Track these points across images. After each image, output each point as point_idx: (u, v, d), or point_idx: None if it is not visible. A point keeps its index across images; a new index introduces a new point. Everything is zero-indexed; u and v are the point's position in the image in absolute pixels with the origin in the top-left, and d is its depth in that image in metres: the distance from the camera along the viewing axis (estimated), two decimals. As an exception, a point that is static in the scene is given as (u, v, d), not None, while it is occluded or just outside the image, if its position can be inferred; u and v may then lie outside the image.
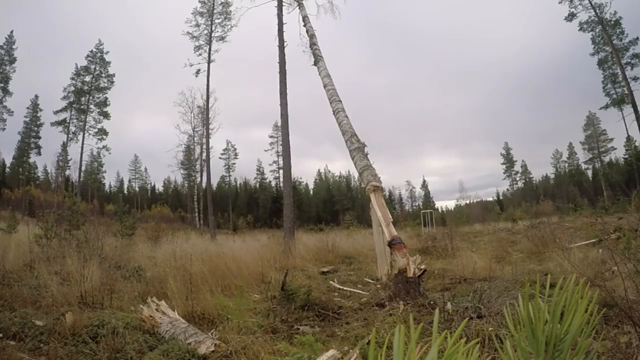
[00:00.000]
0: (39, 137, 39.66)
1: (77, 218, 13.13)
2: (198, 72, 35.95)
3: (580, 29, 42.59)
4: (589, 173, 52.91)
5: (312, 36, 15.83)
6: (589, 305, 0.98)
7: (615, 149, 54.80)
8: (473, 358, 0.68)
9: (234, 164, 53.18)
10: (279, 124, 22.68)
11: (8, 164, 38.85)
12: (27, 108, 39.78)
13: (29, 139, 39.51)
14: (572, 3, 41.37)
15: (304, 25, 16.89)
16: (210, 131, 36.79)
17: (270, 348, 4.60)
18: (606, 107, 43.96)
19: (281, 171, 28.85)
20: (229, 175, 53.04)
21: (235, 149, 53.67)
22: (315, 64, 14.73)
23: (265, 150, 45.43)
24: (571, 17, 41.77)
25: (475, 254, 11.65)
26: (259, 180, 57.55)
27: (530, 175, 56.70)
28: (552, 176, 56.14)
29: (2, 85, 37.10)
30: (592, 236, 12.99)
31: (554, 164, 56.75)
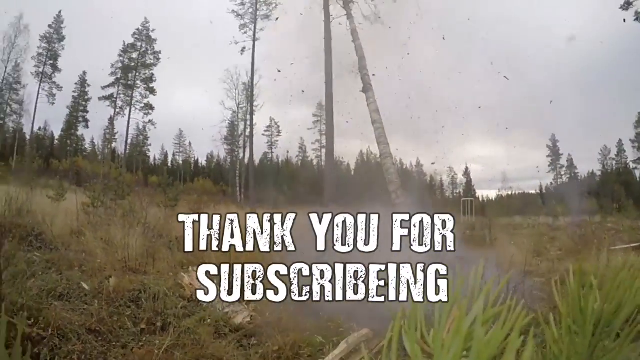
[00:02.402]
0: (87, 111, 40.64)
1: (122, 188, 13.44)
2: (243, 50, 35.94)
3: (637, 19, 39.77)
4: (637, 173, 50.06)
5: (361, 58, 14.13)
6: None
7: (669, 150, 51.45)
8: (519, 321, 0.62)
9: (277, 141, 52.83)
10: (324, 103, 21.97)
11: (57, 136, 40.23)
12: (76, 84, 40.70)
13: (77, 113, 40.57)
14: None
15: (353, 42, 14.88)
16: (254, 108, 37.04)
17: (300, 324, 4.64)
18: (661, 104, 41.24)
19: (323, 150, 28.55)
20: (272, 152, 52.97)
21: (279, 126, 53.43)
22: (364, 92, 13.39)
23: (309, 129, 44.59)
24: (627, 5, 39.02)
25: (514, 247, 11.37)
26: (300, 158, 57.12)
27: (576, 171, 53.71)
28: (599, 173, 53.04)
29: (51, 62, 38.26)
30: (635, 240, 12.48)
31: (601, 161, 53.59)
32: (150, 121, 42.40)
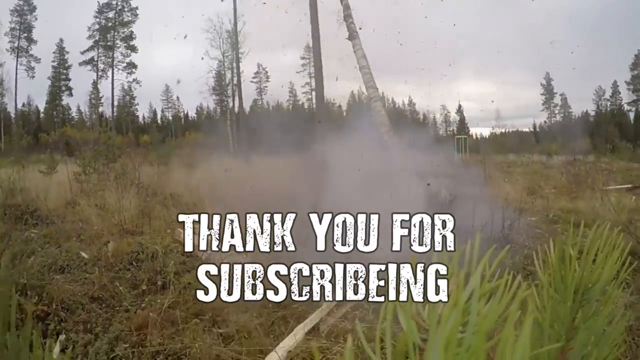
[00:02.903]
0: (69, 79, 39.68)
1: (112, 152, 13.26)
2: (223, -5, 34.57)
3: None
4: (631, 115, 49.19)
5: (346, 6, 13.99)
6: (621, 254, 0.96)
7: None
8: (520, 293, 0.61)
9: (266, 87, 51.93)
10: (311, 45, 21.42)
11: (42, 110, 39.49)
12: (54, 53, 39.53)
13: (59, 83, 39.63)
14: None
15: None
16: (240, 55, 36.19)
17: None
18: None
19: (314, 93, 28.03)
20: (261, 99, 52.15)
21: (267, 72, 52.35)
22: (350, 39, 13.40)
23: (297, 72, 43.56)
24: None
25: (508, 184, 11.39)
26: (291, 102, 56.25)
27: (570, 110, 52.78)
28: (593, 113, 52.14)
29: (25, 35, 37.07)
30: (628, 181, 12.53)
31: (596, 101, 52.44)
32: (134, 80, 41.50)
